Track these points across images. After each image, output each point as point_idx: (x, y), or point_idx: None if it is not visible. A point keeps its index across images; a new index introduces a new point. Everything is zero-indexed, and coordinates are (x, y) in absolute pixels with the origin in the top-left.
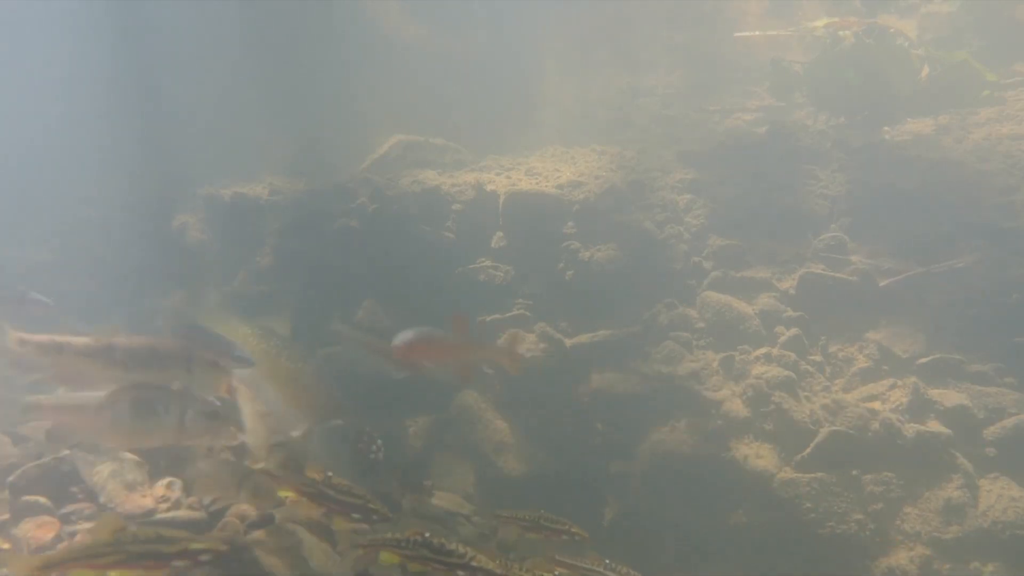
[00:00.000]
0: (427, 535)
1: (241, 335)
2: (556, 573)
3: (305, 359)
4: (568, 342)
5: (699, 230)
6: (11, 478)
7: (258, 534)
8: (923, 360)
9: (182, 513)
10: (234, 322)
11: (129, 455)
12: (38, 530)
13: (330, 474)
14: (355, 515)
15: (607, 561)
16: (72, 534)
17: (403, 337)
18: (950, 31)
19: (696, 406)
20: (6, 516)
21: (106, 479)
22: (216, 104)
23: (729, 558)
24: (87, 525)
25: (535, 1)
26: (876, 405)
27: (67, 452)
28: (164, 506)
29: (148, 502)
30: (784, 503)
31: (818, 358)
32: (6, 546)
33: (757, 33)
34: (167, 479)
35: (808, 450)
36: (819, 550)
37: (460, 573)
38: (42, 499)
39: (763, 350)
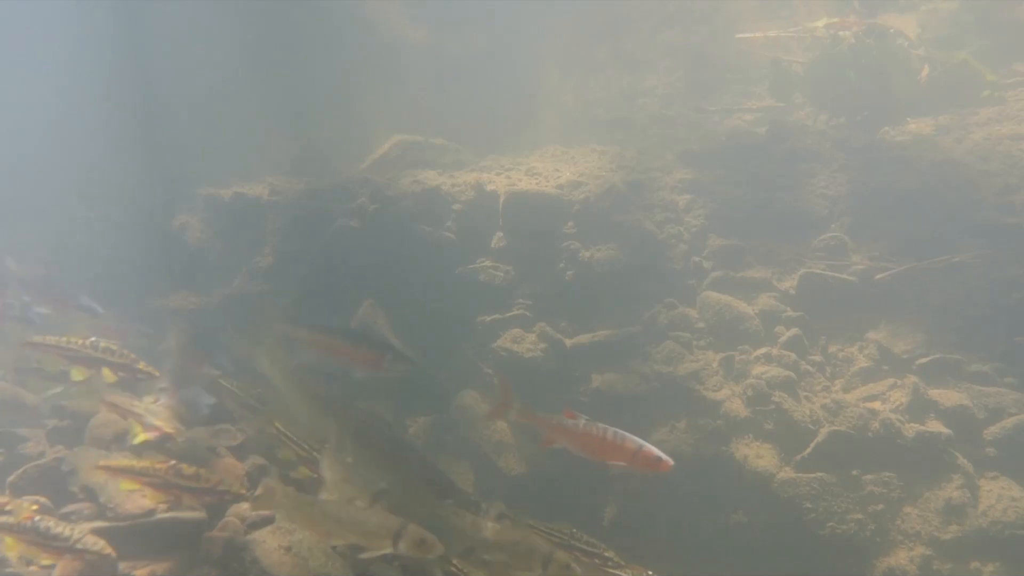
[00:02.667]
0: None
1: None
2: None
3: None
4: (568, 342)
5: (699, 230)
6: (11, 478)
7: (258, 534)
8: (923, 360)
9: (182, 512)
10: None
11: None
12: None
13: None
14: None
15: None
16: None
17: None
18: (950, 30)
19: (696, 406)
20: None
21: (106, 479)
22: (216, 104)
23: (729, 558)
24: (88, 525)
25: (535, 1)
26: (876, 405)
27: (67, 452)
28: (164, 505)
29: (148, 502)
30: (784, 503)
31: (818, 358)
32: None
33: (758, 35)
34: None
35: (808, 450)
36: (819, 550)
37: None
38: (42, 499)
39: (763, 350)
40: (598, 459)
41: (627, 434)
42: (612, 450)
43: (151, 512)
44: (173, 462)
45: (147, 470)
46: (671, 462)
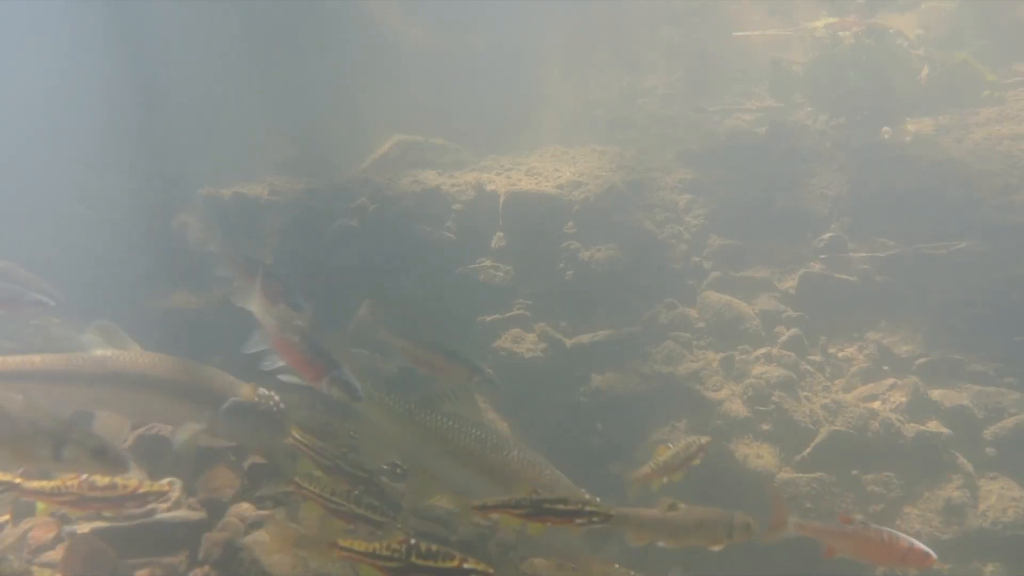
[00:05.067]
0: (412, 542)
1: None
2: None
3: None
4: (568, 342)
5: (699, 230)
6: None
7: (258, 534)
8: (923, 360)
9: (182, 513)
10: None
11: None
12: (38, 530)
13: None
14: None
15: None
16: (71, 533)
17: None
18: (950, 30)
19: (696, 406)
20: (6, 516)
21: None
22: (216, 104)
23: (729, 558)
24: (87, 525)
25: (535, 1)
26: (876, 405)
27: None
28: (164, 506)
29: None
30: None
31: (818, 358)
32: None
33: (756, 32)
34: (167, 479)
35: (808, 450)
36: (819, 550)
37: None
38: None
39: (763, 350)
40: (873, 561)
41: (896, 532)
42: (886, 551)
43: (151, 512)
44: (84, 476)
45: (58, 489)
46: (935, 556)
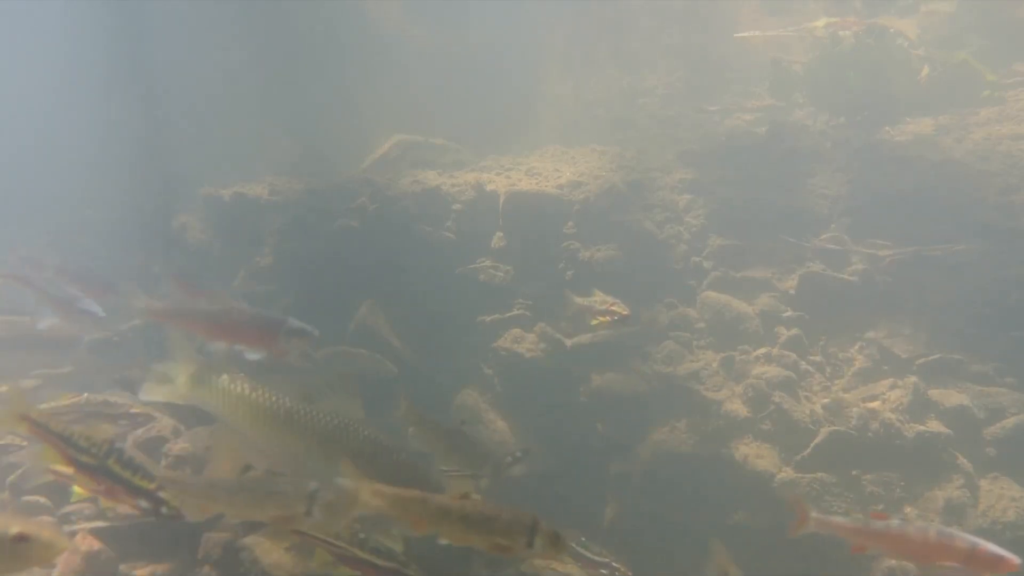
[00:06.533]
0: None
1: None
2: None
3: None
4: (568, 342)
5: (699, 230)
6: (11, 478)
7: (258, 534)
8: (923, 360)
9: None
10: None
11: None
12: None
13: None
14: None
15: None
16: (72, 533)
17: None
18: (950, 31)
19: (696, 406)
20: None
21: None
22: (216, 104)
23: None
24: (87, 525)
25: (535, 1)
26: (876, 405)
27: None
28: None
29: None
30: (784, 503)
31: (818, 358)
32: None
33: (757, 33)
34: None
35: (808, 450)
36: (819, 550)
37: None
38: (42, 499)
39: (763, 350)
40: (921, 563)
41: (954, 531)
42: (938, 551)
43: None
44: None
45: None
46: (1016, 560)
